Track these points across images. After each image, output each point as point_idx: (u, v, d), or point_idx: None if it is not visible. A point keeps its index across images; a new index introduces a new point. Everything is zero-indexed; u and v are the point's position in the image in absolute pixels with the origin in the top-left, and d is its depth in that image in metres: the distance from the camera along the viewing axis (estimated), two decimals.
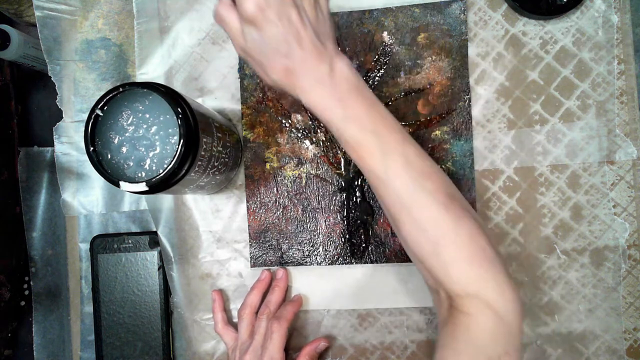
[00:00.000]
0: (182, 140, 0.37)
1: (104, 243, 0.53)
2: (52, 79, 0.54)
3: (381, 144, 0.37)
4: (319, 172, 0.52)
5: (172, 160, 0.37)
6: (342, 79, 0.37)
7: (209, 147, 0.42)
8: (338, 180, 0.52)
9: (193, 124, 0.39)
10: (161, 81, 0.53)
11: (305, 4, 0.35)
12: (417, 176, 0.37)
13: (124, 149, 0.39)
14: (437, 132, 0.51)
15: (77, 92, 0.55)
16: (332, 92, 0.37)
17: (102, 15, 0.55)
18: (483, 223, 0.39)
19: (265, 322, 0.48)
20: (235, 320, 0.53)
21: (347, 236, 0.52)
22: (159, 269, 0.53)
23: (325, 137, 0.52)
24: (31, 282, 0.56)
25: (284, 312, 0.48)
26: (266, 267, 0.52)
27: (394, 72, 0.51)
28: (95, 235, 0.54)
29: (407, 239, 0.38)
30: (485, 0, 0.50)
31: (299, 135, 0.52)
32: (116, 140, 0.39)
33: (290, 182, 0.52)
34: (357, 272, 0.52)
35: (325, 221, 0.52)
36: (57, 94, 0.54)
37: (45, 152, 0.57)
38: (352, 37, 0.52)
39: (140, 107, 0.39)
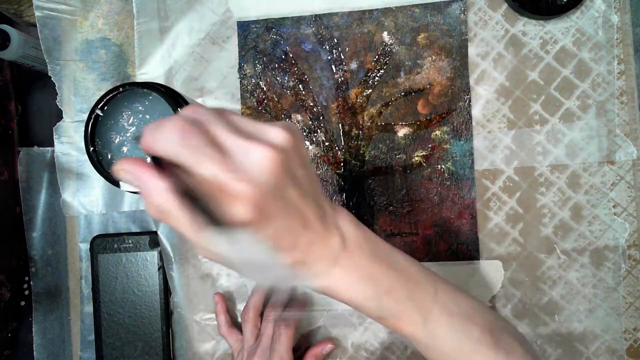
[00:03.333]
0: None
1: (104, 243, 0.53)
2: (52, 79, 0.54)
3: (419, 309, 0.33)
4: (319, 172, 0.52)
5: None
6: (356, 248, 0.31)
7: None
8: (338, 180, 0.52)
9: None
10: (161, 81, 0.53)
11: (298, 171, 0.27)
12: (461, 326, 0.34)
13: (124, 149, 0.39)
14: (437, 132, 0.51)
15: (77, 92, 0.55)
16: (352, 269, 0.31)
17: (102, 15, 0.55)
18: (526, 340, 0.37)
19: (272, 323, 0.48)
20: (238, 320, 0.53)
21: None
22: (159, 269, 0.53)
23: (325, 137, 0.52)
24: (31, 282, 0.56)
25: (291, 312, 0.49)
26: None
27: (394, 72, 0.51)
28: (95, 235, 0.54)
29: None
30: (485, 0, 0.50)
31: None
32: (116, 140, 0.39)
33: None
34: None
35: None
36: (57, 94, 0.54)
37: (45, 152, 0.57)
38: (352, 37, 0.52)
39: (140, 107, 0.39)
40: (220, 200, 0.24)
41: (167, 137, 0.23)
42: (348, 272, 0.31)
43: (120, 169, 0.25)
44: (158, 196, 0.24)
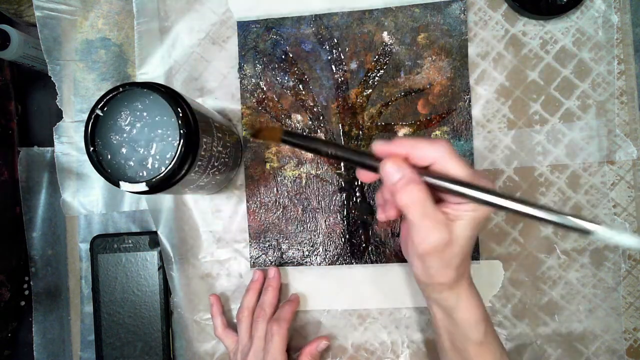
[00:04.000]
0: (182, 141, 0.37)
1: (104, 243, 0.53)
2: (52, 79, 0.54)
3: (500, 345, 0.40)
4: (319, 172, 0.52)
5: (172, 160, 0.37)
6: (470, 279, 0.39)
7: (209, 147, 0.42)
8: (338, 180, 0.52)
9: (193, 124, 0.39)
10: (161, 81, 0.53)
11: None
12: None
13: (124, 149, 0.39)
14: (437, 132, 0.51)
15: (77, 92, 0.55)
16: (472, 294, 0.38)
17: (102, 15, 0.55)
18: None
19: (262, 324, 0.48)
20: (235, 321, 0.53)
21: (347, 236, 0.52)
22: (159, 269, 0.53)
23: (325, 137, 0.52)
24: (31, 282, 0.56)
25: (282, 313, 0.48)
26: (265, 268, 0.52)
27: (394, 72, 0.51)
28: (95, 235, 0.54)
29: None
30: (485, 0, 0.50)
31: None
32: (116, 141, 0.39)
33: (290, 182, 0.52)
34: (357, 272, 0.52)
35: (325, 221, 0.52)
36: (57, 94, 0.54)
37: (45, 152, 0.57)
38: (352, 37, 0.52)
39: (140, 107, 0.39)
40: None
41: (448, 153, 0.33)
42: (472, 297, 0.38)
43: (394, 163, 0.33)
44: (421, 190, 0.32)
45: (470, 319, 0.37)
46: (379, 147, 0.34)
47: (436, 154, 0.33)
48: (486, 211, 0.34)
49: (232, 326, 0.52)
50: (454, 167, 0.32)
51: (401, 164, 0.33)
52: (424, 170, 0.33)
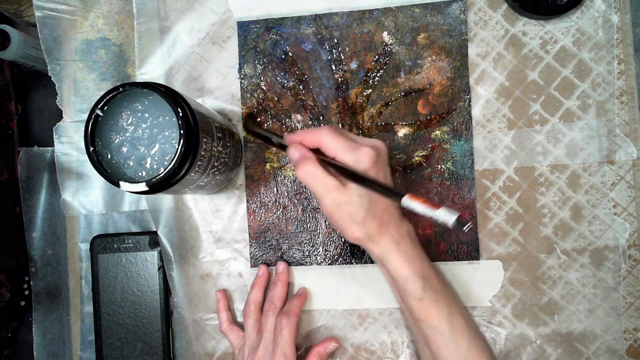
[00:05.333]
0: (182, 140, 0.37)
1: (104, 243, 0.53)
2: (52, 79, 0.54)
3: (449, 303, 0.42)
4: None
5: (172, 160, 0.37)
6: (410, 240, 0.42)
7: (209, 147, 0.42)
8: None
9: (193, 124, 0.39)
10: (161, 81, 0.53)
11: (385, 165, 0.42)
12: (474, 335, 0.42)
13: (124, 149, 0.39)
14: (437, 132, 0.51)
15: (77, 92, 0.55)
16: (404, 252, 0.41)
17: (102, 15, 0.55)
18: None
19: (272, 318, 0.48)
20: (238, 320, 0.53)
21: None
22: (159, 269, 0.53)
23: None
24: (31, 282, 0.56)
25: (291, 306, 0.49)
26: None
27: (394, 72, 0.51)
28: (95, 235, 0.54)
29: None
30: (485, 0, 0.50)
31: None
32: (116, 140, 0.39)
33: (290, 182, 0.52)
34: (357, 272, 0.52)
35: (325, 221, 0.52)
36: (57, 94, 0.54)
37: (45, 152, 0.57)
38: (352, 37, 0.52)
39: (140, 107, 0.39)
40: (353, 162, 0.38)
41: (327, 134, 0.40)
42: (402, 253, 0.41)
43: (293, 147, 0.41)
44: (311, 163, 0.39)
45: (403, 273, 0.41)
46: (287, 137, 0.42)
47: (320, 137, 0.40)
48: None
49: (236, 322, 0.52)
50: (335, 144, 0.39)
51: (298, 147, 0.41)
52: (315, 152, 0.41)
